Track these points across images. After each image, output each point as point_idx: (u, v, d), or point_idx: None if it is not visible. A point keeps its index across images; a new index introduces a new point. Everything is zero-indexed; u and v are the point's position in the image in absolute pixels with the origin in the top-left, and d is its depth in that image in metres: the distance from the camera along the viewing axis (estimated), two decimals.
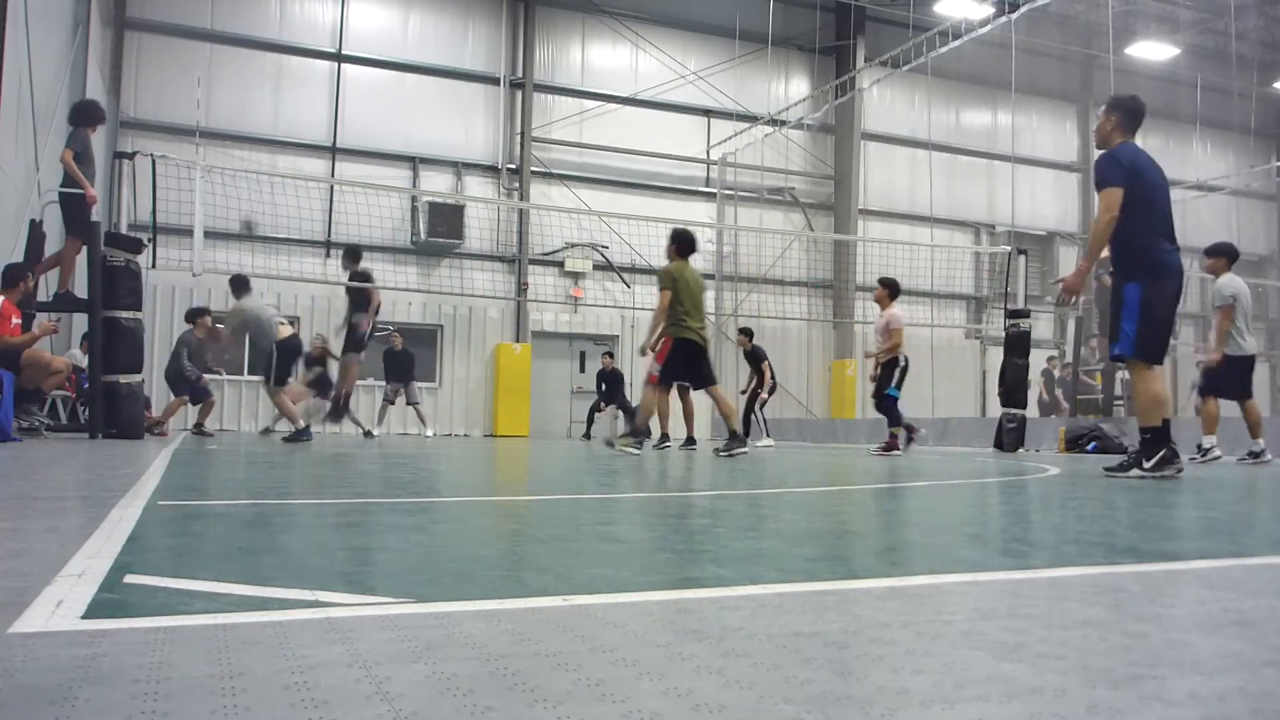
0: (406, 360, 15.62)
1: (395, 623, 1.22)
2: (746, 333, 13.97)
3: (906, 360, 9.84)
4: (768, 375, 13.65)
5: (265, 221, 15.33)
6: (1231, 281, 8.13)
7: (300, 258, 17.34)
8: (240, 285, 10.85)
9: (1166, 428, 5.07)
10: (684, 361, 8.11)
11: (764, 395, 13.58)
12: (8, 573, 1.52)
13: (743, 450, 8.15)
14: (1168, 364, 18.47)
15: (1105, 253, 5.39)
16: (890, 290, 9.91)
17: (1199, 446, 8.13)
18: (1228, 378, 8.03)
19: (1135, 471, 5.08)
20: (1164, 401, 5.10)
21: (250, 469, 4.93)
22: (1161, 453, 5.03)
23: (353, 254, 10.71)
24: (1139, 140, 5.56)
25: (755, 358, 13.76)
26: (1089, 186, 25.49)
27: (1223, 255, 8.25)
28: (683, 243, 8.43)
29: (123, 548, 1.81)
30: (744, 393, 13.91)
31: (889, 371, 9.81)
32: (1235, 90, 21.73)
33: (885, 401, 9.83)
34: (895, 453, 9.50)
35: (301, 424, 9.71)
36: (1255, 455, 8.00)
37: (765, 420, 13.69)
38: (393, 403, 15.57)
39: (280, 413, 10.23)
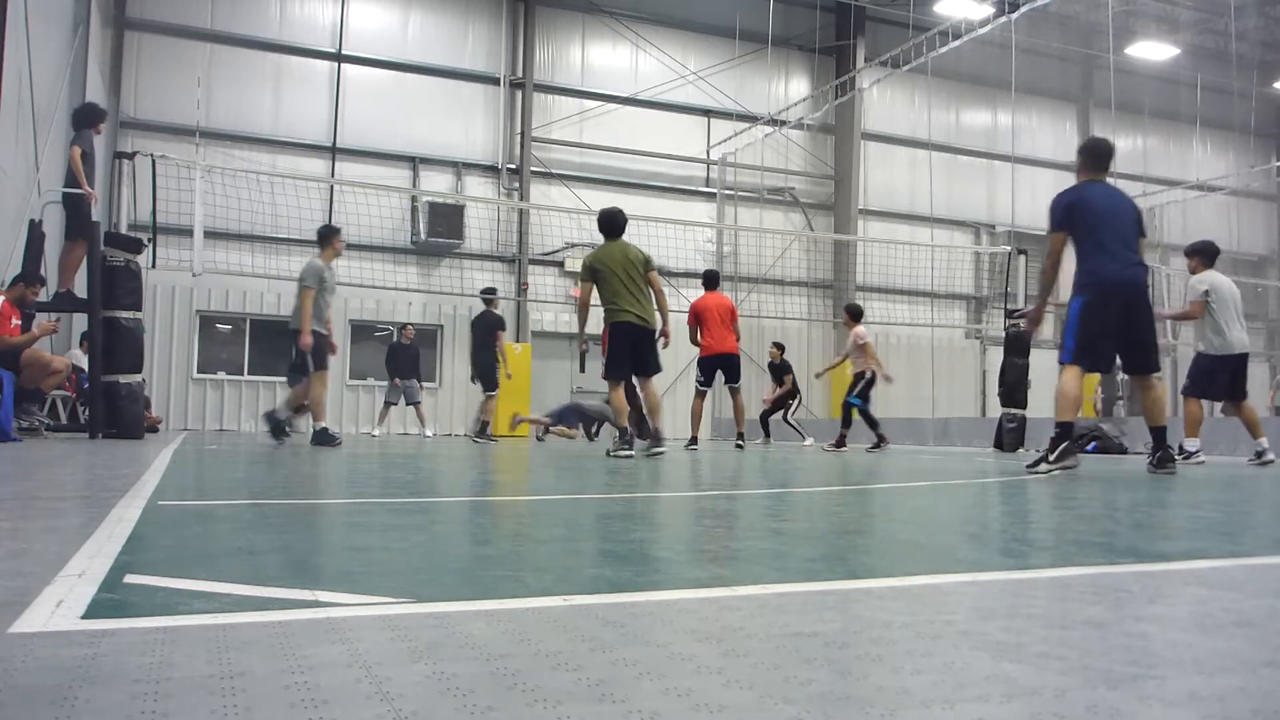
0: (414, 355, 15.45)
1: (395, 623, 1.22)
2: (779, 346, 14.77)
3: (872, 373, 11.31)
4: (790, 385, 14.42)
5: (265, 221, 15.31)
6: (1206, 278, 8.05)
7: (300, 258, 17.28)
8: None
9: (1069, 429, 5.67)
10: (628, 348, 7.48)
11: (793, 404, 14.55)
12: (8, 573, 1.52)
13: (659, 450, 7.47)
14: (1167, 365, 18.45)
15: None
16: (853, 315, 11.56)
17: (1180, 448, 8.02)
18: (1211, 378, 7.94)
19: (1043, 466, 5.62)
20: (1073, 401, 5.66)
21: (250, 469, 4.93)
22: (1063, 446, 5.61)
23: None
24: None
25: (782, 369, 14.49)
26: None
27: (1199, 254, 8.24)
28: (602, 225, 7.69)
29: (123, 548, 1.81)
30: (767, 400, 14.77)
31: (857, 382, 11.29)
32: (1235, 90, 21.73)
33: (846, 408, 11.38)
34: (843, 450, 10.76)
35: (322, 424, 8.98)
36: (1260, 455, 7.89)
37: (799, 424, 14.55)
38: (394, 403, 15.39)
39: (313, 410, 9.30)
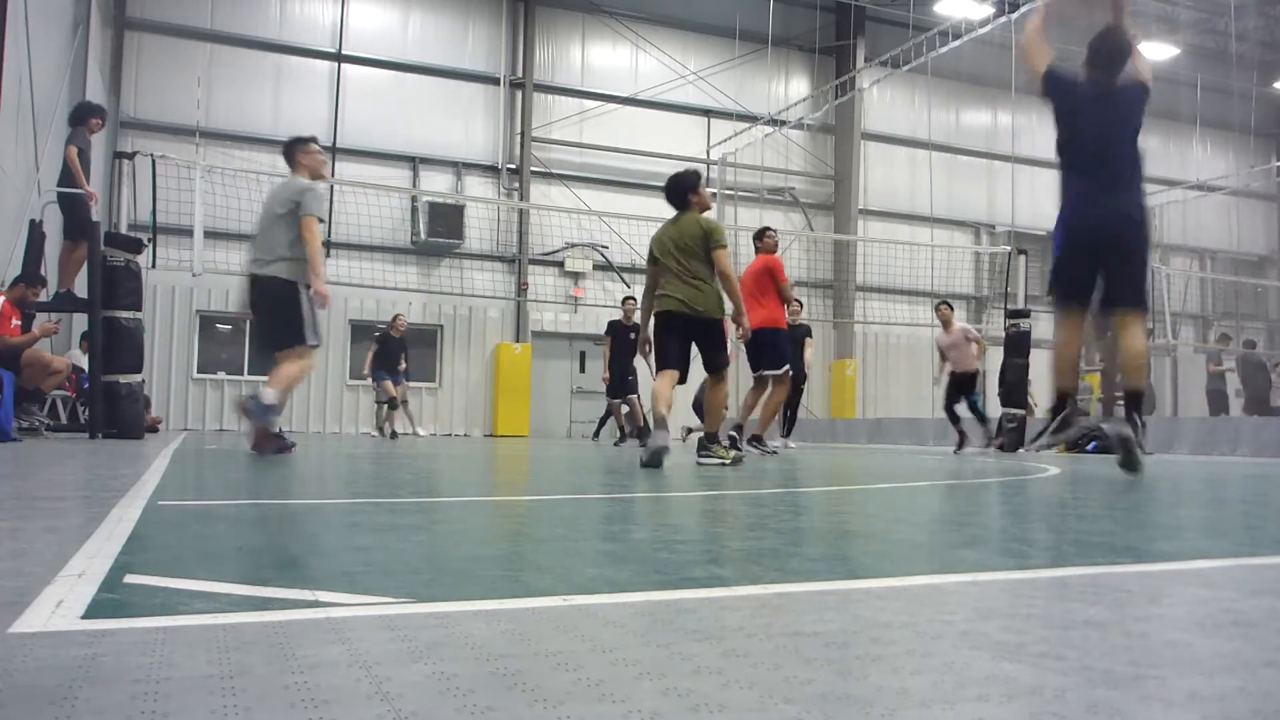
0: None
1: (395, 623, 1.22)
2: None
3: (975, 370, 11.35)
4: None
5: None
6: None
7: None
8: None
9: (1064, 397, 4.99)
10: (676, 337, 6.21)
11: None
12: (8, 573, 1.52)
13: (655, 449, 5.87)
14: (1166, 365, 18.36)
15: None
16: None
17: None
18: None
19: (1043, 439, 5.16)
20: (1065, 363, 5.03)
21: (250, 469, 4.93)
22: (1061, 416, 4.95)
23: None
24: None
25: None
26: None
27: None
28: (666, 192, 6.53)
29: (123, 548, 1.81)
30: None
31: (972, 380, 11.16)
32: (1235, 90, 21.72)
33: (973, 407, 11.28)
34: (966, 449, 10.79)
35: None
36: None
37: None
38: (405, 401, 14.81)
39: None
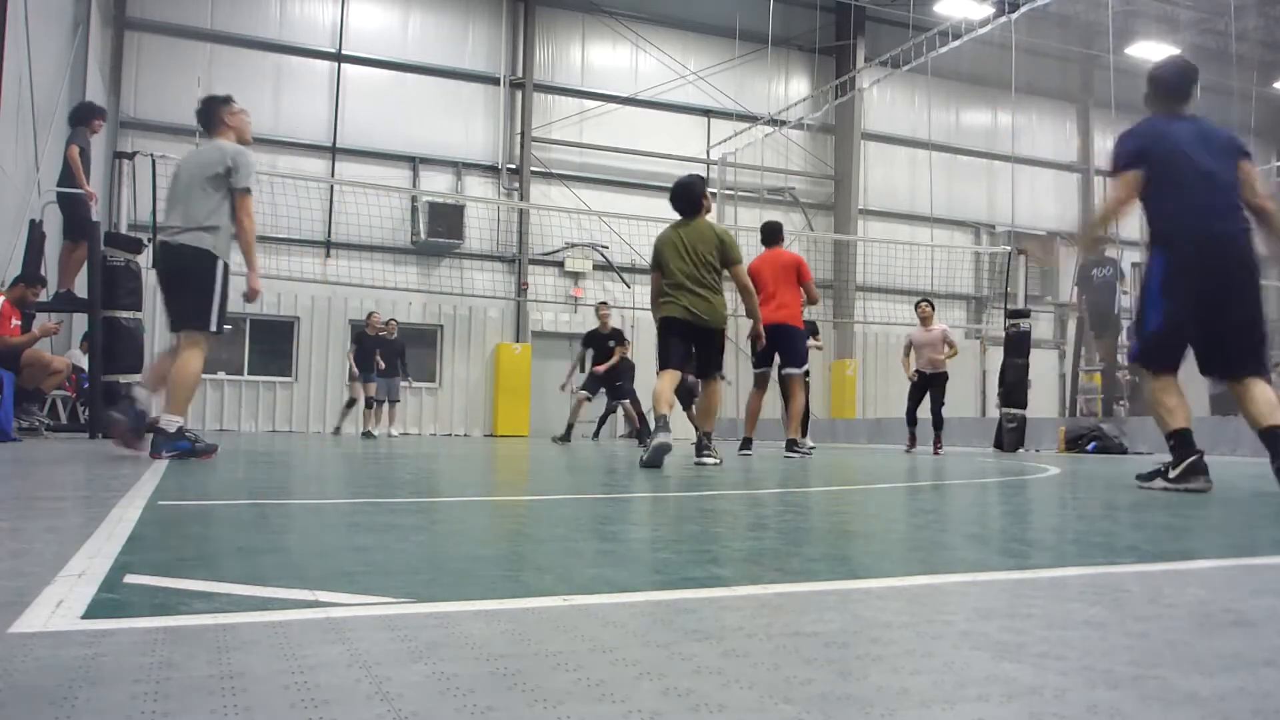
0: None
1: (395, 623, 1.22)
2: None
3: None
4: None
5: (265, 221, 15.29)
6: None
7: (300, 258, 17.34)
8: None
9: (1184, 436, 4.27)
10: (677, 341, 6.20)
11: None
12: (8, 573, 1.52)
13: (663, 450, 5.70)
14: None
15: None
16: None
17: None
18: None
19: (1159, 482, 4.37)
20: (1169, 408, 4.30)
21: (250, 469, 4.93)
22: (1188, 463, 4.22)
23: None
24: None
25: None
26: (1089, 187, 25.53)
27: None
28: (672, 199, 6.48)
29: (123, 548, 1.81)
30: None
31: (943, 384, 10.92)
32: (1235, 90, 21.71)
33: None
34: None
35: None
36: None
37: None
38: (382, 401, 14.57)
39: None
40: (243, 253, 5.32)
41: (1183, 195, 4.28)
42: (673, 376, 6.13)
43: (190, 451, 5.08)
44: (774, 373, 8.38)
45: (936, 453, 10.64)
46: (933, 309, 11.19)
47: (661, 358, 6.22)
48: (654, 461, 5.48)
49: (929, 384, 10.96)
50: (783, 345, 8.10)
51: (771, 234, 8.48)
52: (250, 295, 5.34)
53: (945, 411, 10.99)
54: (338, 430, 14.61)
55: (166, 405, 5.10)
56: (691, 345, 6.26)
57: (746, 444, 8.28)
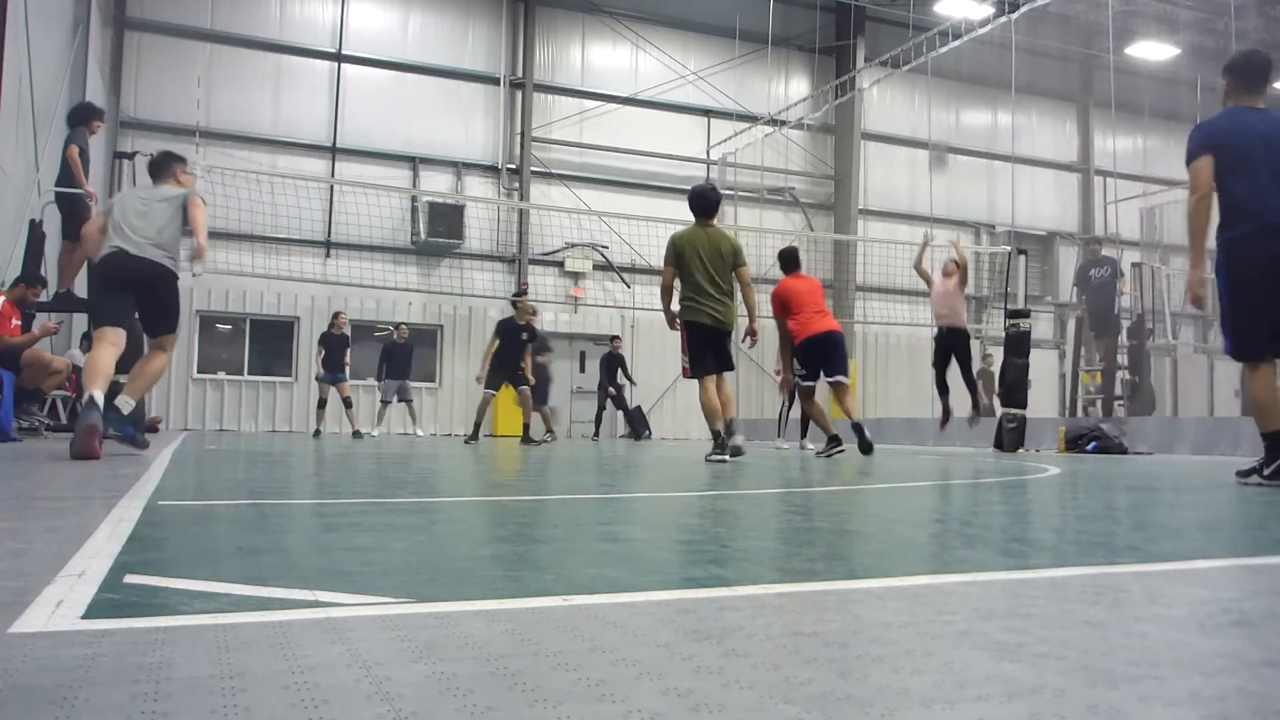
0: (409, 354, 15.17)
1: (395, 623, 1.22)
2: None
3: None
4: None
5: (265, 221, 15.31)
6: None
7: (300, 258, 17.34)
8: None
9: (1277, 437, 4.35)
10: (707, 348, 6.82)
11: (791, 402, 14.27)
12: (8, 573, 1.52)
13: (736, 452, 6.83)
14: (1166, 365, 18.33)
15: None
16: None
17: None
18: None
19: (1254, 478, 4.50)
20: (1267, 405, 4.37)
21: (250, 469, 4.93)
22: (1277, 463, 4.33)
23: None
24: None
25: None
26: (1089, 186, 25.52)
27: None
28: (692, 203, 6.91)
29: (123, 548, 1.81)
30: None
31: (967, 343, 10.80)
32: None
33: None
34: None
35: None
36: None
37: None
38: (390, 402, 15.11)
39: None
40: (193, 229, 5.76)
41: (1254, 183, 4.40)
42: (713, 383, 6.80)
43: (130, 439, 5.67)
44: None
45: (975, 415, 10.77)
46: (959, 269, 10.99)
47: (696, 366, 6.88)
48: (735, 455, 6.63)
49: (951, 345, 10.83)
50: (838, 352, 8.67)
51: (793, 260, 8.89)
52: (198, 252, 5.80)
53: (944, 409, 11.01)
54: (318, 434, 14.68)
55: (128, 389, 5.66)
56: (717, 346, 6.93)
57: (835, 441, 8.48)
